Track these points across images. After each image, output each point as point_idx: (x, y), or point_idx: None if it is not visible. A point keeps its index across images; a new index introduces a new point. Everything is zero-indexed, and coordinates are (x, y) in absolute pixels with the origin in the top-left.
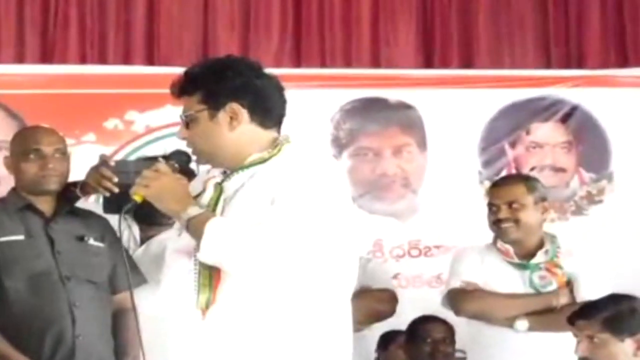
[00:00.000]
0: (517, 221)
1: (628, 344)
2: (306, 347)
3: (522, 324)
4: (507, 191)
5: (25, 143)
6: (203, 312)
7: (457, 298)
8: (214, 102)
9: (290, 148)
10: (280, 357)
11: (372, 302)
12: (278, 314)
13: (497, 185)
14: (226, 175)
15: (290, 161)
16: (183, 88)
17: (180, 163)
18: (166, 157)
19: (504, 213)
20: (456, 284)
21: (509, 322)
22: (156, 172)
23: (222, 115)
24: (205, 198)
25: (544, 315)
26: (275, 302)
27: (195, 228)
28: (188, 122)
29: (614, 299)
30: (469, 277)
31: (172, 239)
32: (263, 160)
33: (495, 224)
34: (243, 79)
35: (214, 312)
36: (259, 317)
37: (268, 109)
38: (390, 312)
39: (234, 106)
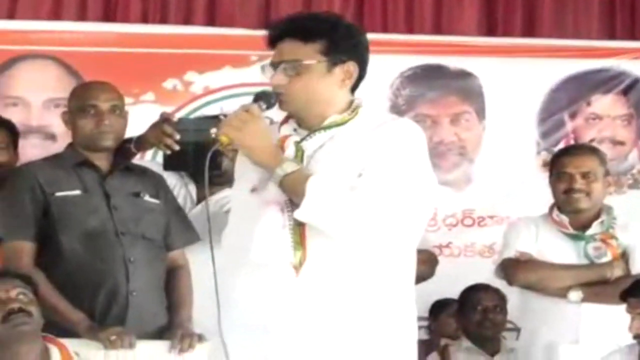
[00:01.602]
0: (589, 193)
1: None
2: (392, 302)
3: (576, 294)
4: (583, 161)
5: (82, 99)
6: (297, 269)
7: (510, 268)
8: (335, 56)
9: (365, 111)
10: (370, 315)
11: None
12: (367, 272)
13: (571, 155)
14: (307, 134)
15: (371, 125)
16: (295, 33)
17: (269, 107)
18: (256, 98)
19: (578, 183)
20: (510, 254)
21: (563, 292)
22: (249, 115)
23: (338, 72)
24: (289, 155)
25: (598, 287)
26: (364, 261)
27: (293, 185)
28: (289, 69)
29: None
30: (523, 247)
31: (243, 193)
32: (343, 123)
33: (567, 192)
34: (361, 38)
35: (308, 270)
36: (350, 275)
37: (364, 72)
38: (430, 273)
39: (352, 65)
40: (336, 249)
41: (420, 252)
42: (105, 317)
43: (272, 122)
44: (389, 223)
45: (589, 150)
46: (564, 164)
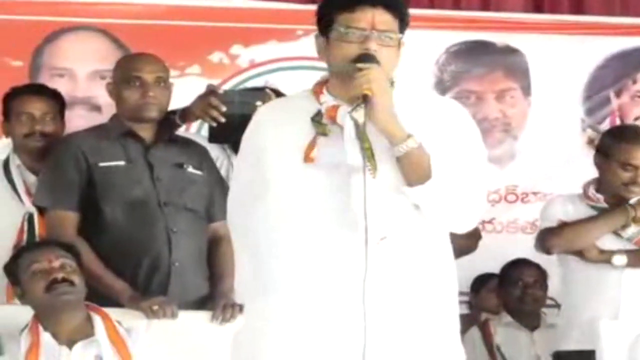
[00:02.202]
0: None
1: None
2: (443, 277)
3: (621, 258)
4: None
5: (127, 70)
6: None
7: (545, 236)
8: (402, 34)
9: (399, 86)
10: (433, 292)
11: (455, 236)
12: (435, 248)
13: (638, 146)
14: (355, 105)
15: (415, 99)
16: (389, 6)
17: None
18: (365, 58)
19: None
20: (545, 225)
21: (607, 258)
22: (380, 71)
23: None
24: (350, 129)
25: None
26: (435, 237)
27: (420, 161)
28: (383, 38)
29: None
30: (561, 217)
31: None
32: None
33: (628, 184)
34: None
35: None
36: (421, 250)
37: None
38: (474, 246)
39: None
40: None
41: None
42: (147, 287)
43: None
44: (481, 207)
45: None
46: (631, 155)
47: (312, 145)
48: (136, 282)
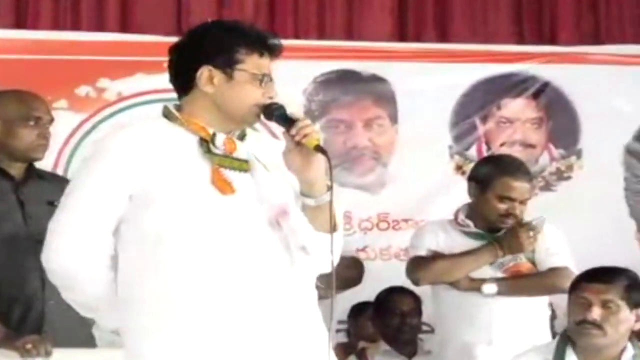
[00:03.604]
0: (516, 216)
1: (633, 315)
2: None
3: (490, 287)
4: (525, 189)
5: (24, 108)
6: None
7: (414, 267)
8: None
9: None
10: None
11: (340, 269)
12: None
13: (516, 179)
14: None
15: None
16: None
17: None
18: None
19: (517, 210)
20: (415, 253)
21: (477, 286)
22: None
23: None
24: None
25: (513, 279)
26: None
27: (327, 214)
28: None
29: (619, 269)
30: (429, 247)
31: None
32: None
33: (503, 216)
34: None
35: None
36: (304, 292)
37: None
38: (358, 279)
39: None
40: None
41: (345, 258)
42: (21, 326)
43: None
44: None
45: (529, 175)
46: (507, 188)
47: (219, 177)
48: (9, 321)
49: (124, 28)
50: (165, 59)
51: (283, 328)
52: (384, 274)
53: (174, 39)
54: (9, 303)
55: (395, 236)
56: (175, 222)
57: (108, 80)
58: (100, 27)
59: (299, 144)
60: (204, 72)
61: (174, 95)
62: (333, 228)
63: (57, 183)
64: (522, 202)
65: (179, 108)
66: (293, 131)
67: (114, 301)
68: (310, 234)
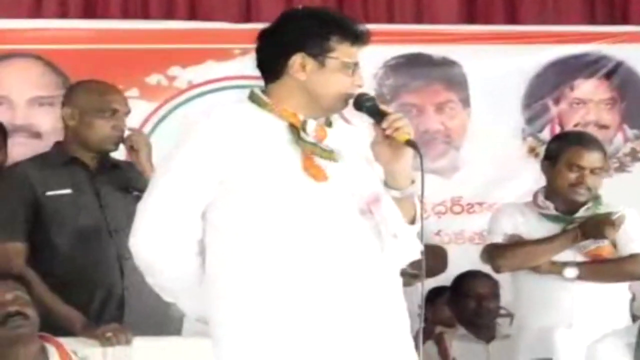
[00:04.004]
0: (591, 188)
1: None
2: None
3: (572, 270)
4: (595, 157)
5: (101, 100)
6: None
7: (492, 254)
8: None
9: None
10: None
11: (425, 257)
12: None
13: (585, 148)
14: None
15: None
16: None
17: None
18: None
19: (588, 178)
20: (492, 239)
21: (558, 270)
22: None
23: None
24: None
25: (594, 264)
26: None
27: (412, 207)
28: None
29: None
30: (509, 231)
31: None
32: None
33: (574, 185)
34: None
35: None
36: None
37: None
38: (442, 267)
39: None
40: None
41: (429, 246)
42: (101, 315)
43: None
44: None
45: (598, 144)
46: (576, 157)
47: (311, 164)
48: (90, 310)
49: (192, 15)
50: (235, 45)
51: (374, 315)
52: (458, 258)
53: (243, 26)
54: (88, 292)
55: (469, 220)
56: (267, 210)
57: (179, 68)
58: (169, 15)
59: (388, 136)
60: (297, 59)
61: (246, 82)
62: (415, 219)
63: (133, 172)
64: (593, 172)
65: (266, 93)
66: (384, 124)
67: (199, 288)
68: (400, 222)
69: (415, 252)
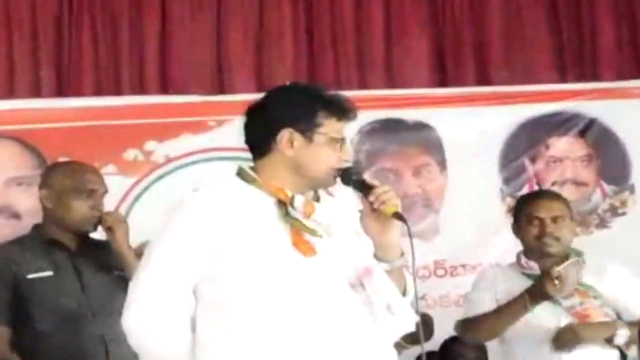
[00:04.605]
0: (559, 238)
1: None
2: None
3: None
4: (552, 205)
5: (78, 181)
6: None
7: (461, 330)
8: None
9: None
10: None
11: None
12: None
13: (540, 199)
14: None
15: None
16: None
17: None
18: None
19: (550, 228)
20: (468, 313)
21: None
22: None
23: None
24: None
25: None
26: None
27: (402, 279)
28: None
29: None
30: (486, 298)
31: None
32: None
33: (538, 238)
34: None
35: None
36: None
37: None
38: (429, 335)
39: None
40: None
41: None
42: None
43: None
44: None
45: (555, 195)
46: (533, 209)
47: (300, 239)
48: None
49: (165, 90)
50: (210, 117)
51: None
52: (444, 321)
53: (216, 98)
54: None
55: (453, 282)
56: (258, 285)
57: (155, 142)
58: (142, 90)
59: (376, 209)
60: (285, 135)
61: (223, 154)
62: (407, 291)
63: (110, 249)
64: (555, 221)
65: (254, 169)
66: (371, 198)
67: None
68: (394, 294)
69: (409, 324)
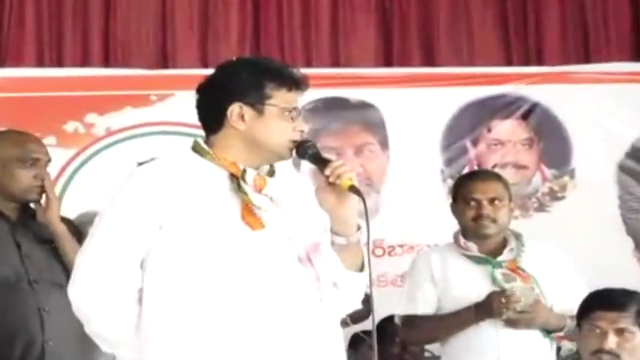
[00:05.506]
0: (495, 219)
1: None
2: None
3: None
4: (489, 187)
5: (22, 150)
6: None
7: (406, 330)
8: None
9: None
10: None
11: None
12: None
13: (476, 180)
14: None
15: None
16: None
17: None
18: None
19: (486, 209)
20: (409, 311)
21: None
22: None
23: None
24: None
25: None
26: None
27: (359, 253)
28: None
29: (628, 293)
30: (426, 279)
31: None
32: None
33: (475, 219)
34: None
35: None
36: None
37: None
38: (367, 314)
39: None
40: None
41: None
42: None
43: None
44: None
45: (494, 175)
46: (472, 190)
47: (249, 213)
48: None
49: (108, 62)
50: (152, 92)
51: None
52: (381, 301)
53: (159, 72)
54: (8, 346)
55: (391, 262)
56: (204, 258)
57: (96, 115)
58: (84, 62)
59: (332, 183)
60: (235, 109)
61: (164, 128)
62: (364, 266)
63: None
64: (492, 203)
65: (208, 144)
66: (327, 171)
67: (137, 335)
68: (341, 271)
69: (357, 301)
